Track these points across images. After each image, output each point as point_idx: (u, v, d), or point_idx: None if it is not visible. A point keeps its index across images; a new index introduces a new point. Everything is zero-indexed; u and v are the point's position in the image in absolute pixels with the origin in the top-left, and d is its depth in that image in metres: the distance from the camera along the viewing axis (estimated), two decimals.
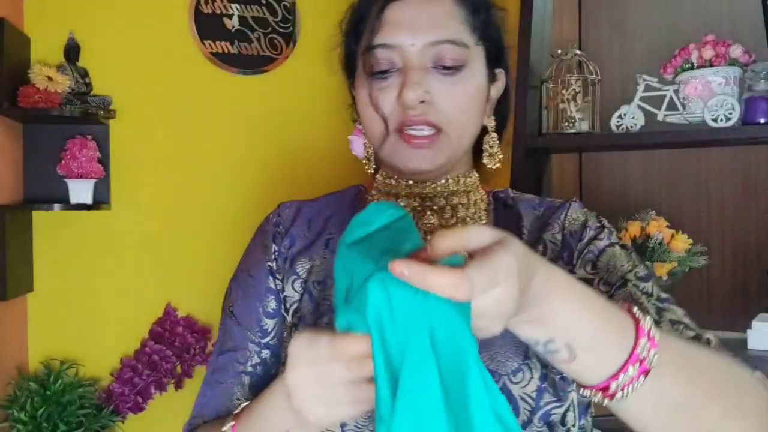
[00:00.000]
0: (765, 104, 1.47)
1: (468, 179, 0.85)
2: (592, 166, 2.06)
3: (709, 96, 1.51)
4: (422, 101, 0.75)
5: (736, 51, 1.50)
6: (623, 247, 0.80)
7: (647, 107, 1.63)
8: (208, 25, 2.42)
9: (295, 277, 0.82)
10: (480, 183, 0.88)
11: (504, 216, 0.85)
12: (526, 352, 0.72)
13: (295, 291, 0.81)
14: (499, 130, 0.87)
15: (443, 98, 0.76)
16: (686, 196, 2.08)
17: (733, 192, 2.08)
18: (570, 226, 0.81)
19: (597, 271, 0.76)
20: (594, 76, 1.72)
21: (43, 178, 2.31)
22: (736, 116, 1.48)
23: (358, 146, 0.87)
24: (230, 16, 2.43)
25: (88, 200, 2.25)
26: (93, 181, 2.26)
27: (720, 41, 1.52)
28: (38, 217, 2.35)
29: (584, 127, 1.71)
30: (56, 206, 2.22)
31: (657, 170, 2.09)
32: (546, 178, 1.93)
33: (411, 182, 0.83)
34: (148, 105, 2.40)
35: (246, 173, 2.37)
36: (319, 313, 0.79)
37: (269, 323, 0.83)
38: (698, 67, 1.53)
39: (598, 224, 0.81)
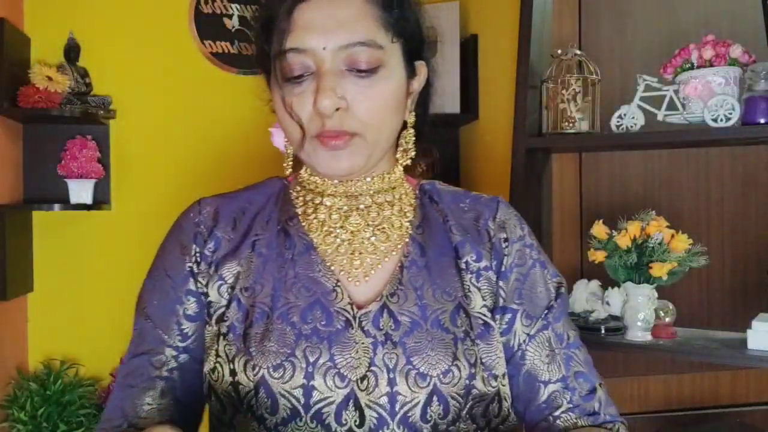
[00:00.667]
0: (765, 104, 1.46)
1: (393, 175, 0.84)
2: (592, 166, 2.06)
3: (709, 96, 1.51)
4: (338, 108, 0.73)
5: (736, 51, 1.50)
6: (542, 265, 0.83)
7: (647, 107, 1.63)
8: (208, 25, 2.42)
9: (221, 282, 0.79)
10: (405, 175, 0.87)
11: (430, 212, 0.85)
12: (454, 353, 0.74)
13: (221, 296, 0.78)
14: (423, 121, 0.86)
15: (359, 102, 0.74)
16: (686, 196, 2.08)
17: (733, 192, 2.08)
18: (498, 232, 0.83)
19: (522, 301, 0.80)
20: (594, 76, 1.72)
21: (43, 178, 2.32)
22: (736, 116, 1.48)
23: (279, 139, 0.87)
24: (230, 16, 2.43)
25: (88, 200, 2.25)
26: (93, 181, 2.26)
27: (720, 41, 1.52)
28: (38, 217, 2.35)
29: (584, 127, 1.71)
30: (56, 206, 2.22)
31: (657, 170, 2.08)
32: (546, 178, 1.93)
33: (336, 181, 0.82)
34: (148, 105, 2.40)
35: (246, 173, 2.37)
36: (248, 322, 0.76)
37: (189, 327, 0.80)
38: (698, 67, 1.53)
39: (521, 233, 0.84)
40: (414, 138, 0.84)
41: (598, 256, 1.57)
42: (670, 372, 2.09)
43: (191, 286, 0.80)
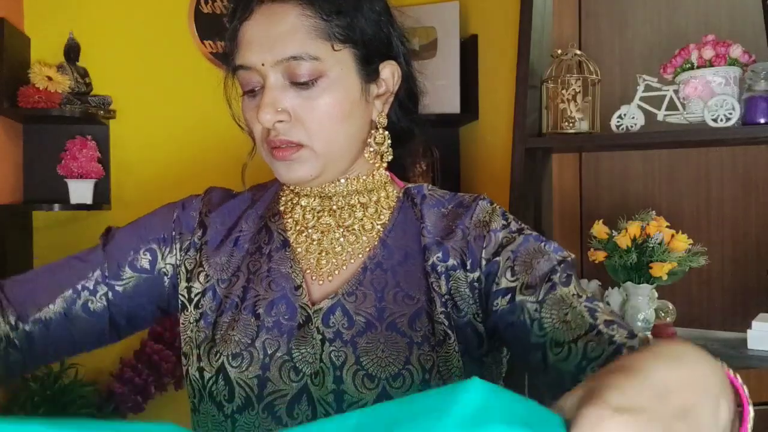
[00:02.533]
0: (765, 104, 1.47)
1: (371, 179, 0.84)
2: (592, 166, 2.06)
3: (709, 96, 1.51)
4: (280, 121, 0.76)
5: (736, 51, 1.50)
6: (536, 239, 0.77)
7: (647, 107, 1.63)
8: (208, 25, 2.42)
9: (202, 269, 0.83)
10: (393, 177, 0.88)
11: (408, 215, 0.83)
12: (407, 357, 0.72)
13: (200, 283, 0.83)
14: (408, 122, 0.86)
15: (302, 114, 0.76)
16: (686, 196, 2.08)
17: (733, 192, 2.08)
18: (474, 230, 0.79)
19: (516, 276, 0.73)
20: (594, 76, 1.72)
21: (43, 178, 2.32)
22: (736, 116, 1.48)
23: None
24: None
25: (88, 200, 2.25)
26: (93, 181, 2.26)
27: (720, 41, 1.52)
28: (38, 217, 2.35)
29: (584, 127, 1.71)
30: (56, 206, 2.22)
31: (657, 170, 2.08)
32: (546, 178, 1.93)
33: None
34: (148, 105, 2.40)
35: (247, 173, 2.37)
36: (220, 311, 0.80)
37: (128, 272, 0.84)
38: (698, 67, 1.53)
39: (504, 223, 0.79)
40: (395, 141, 0.84)
41: (598, 256, 1.57)
42: None
43: (155, 246, 0.85)
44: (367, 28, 0.79)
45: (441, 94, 2.33)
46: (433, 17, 2.36)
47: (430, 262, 0.78)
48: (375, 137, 0.83)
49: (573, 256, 0.76)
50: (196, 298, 0.82)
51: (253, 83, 0.78)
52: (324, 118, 0.76)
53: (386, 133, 0.83)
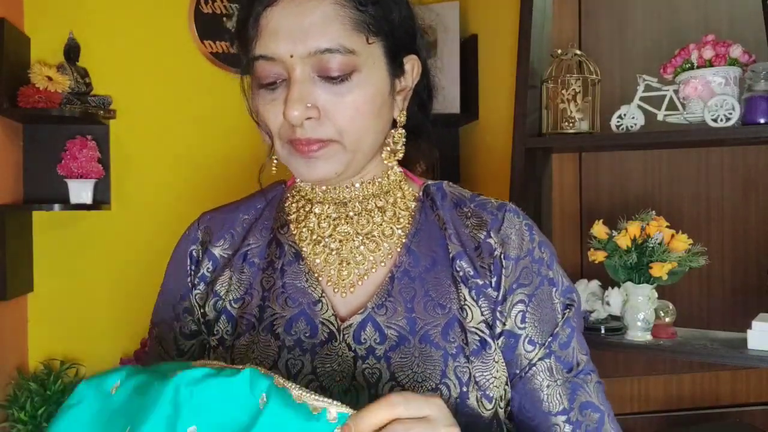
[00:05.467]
0: (765, 104, 1.46)
1: (386, 179, 0.79)
2: (592, 166, 2.06)
3: (709, 96, 1.51)
4: (309, 117, 0.70)
5: (736, 51, 1.50)
6: (550, 282, 0.76)
7: (647, 107, 1.63)
8: (208, 25, 2.42)
9: (216, 298, 0.79)
10: (409, 174, 0.83)
11: (429, 218, 0.79)
12: (443, 371, 0.70)
13: (215, 311, 0.78)
14: (421, 119, 0.82)
15: (332, 110, 0.70)
16: (686, 196, 2.08)
17: (733, 192, 2.08)
18: (499, 247, 0.75)
19: (525, 326, 0.74)
20: (594, 76, 1.72)
21: (43, 178, 2.32)
22: (736, 116, 1.48)
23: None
24: (230, 16, 2.43)
25: (88, 200, 2.25)
26: (93, 181, 2.26)
27: (720, 41, 1.52)
28: (38, 217, 2.35)
29: (584, 127, 1.71)
30: (56, 206, 2.22)
31: (657, 170, 2.08)
32: (546, 178, 1.93)
33: (324, 188, 0.79)
34: (148, 105, 2.40)
35: (246, 173, 2.37)
36: (236, 334, 0.76)
37: (185, 344, 0.80)
38: (698, 67, 1.53)
39: (530, 247, 0.76)
40: (407, 137, 0.79)
41: (598, 256, 1.57)
42: (670, 372, 2.09)
43: (187, 304, 0.80)
44: (396, 20, 0.74)
45: (441, 94, 2.32)
46: (433, 17, 2.36)
47: (461, 273, 0.75)
48: (393, 136, 0.78)
49: (576, 298, 0.78)
50: (211, 324, 0.78)
51: (274, 75, 0.71)
52: (356, 116, 0.71)
53: (403, 131, 0.79)
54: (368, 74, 0.71)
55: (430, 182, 0.82)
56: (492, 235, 0.76)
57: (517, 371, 0.74)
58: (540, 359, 0.74)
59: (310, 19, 0.68)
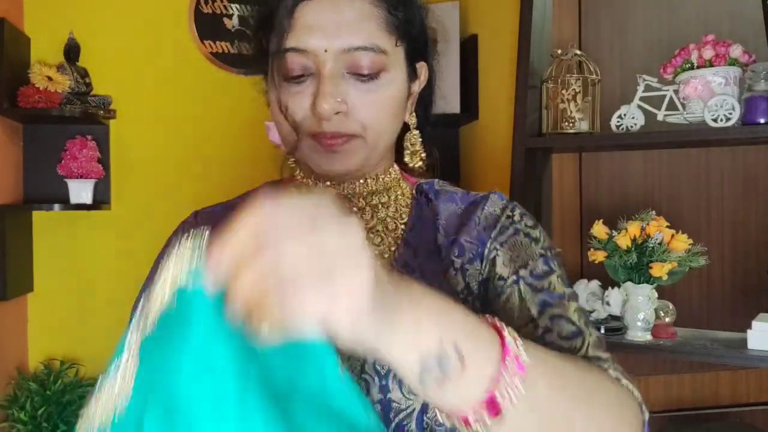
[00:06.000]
0: (765, 104, 1.46)
1: (388, 177, 0.82)
2: (592, 166, 2.06)
3: (709, 96, 1.51)
4: (338, 112, 0.71)
5: (736, 51, 1.50)
6: (531, 238, 0.77)
7: (647, 107, 1.63)
8: (208, 25, 2.42)
9: None
10: (403, 173, 0.85)
11: (424, 212, 0.82)
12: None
13: None
14: (424, 121, 0.85)
15: (360, 106, 0.72)
16: (686, 196, 2.08)
17: (733, 192, 2.08)
18: (485, 220, 0.78)
19: (498, 263, 0.75)
20: (594, 76, 1.72)
21: (43, 178, 2.32)
22: (736, 116, 1.48)
23: (276, 133, 0.84)
24: (230, 16, 2.43)
25: (88, 200, 2.25)
26: (93, 181, 2.26)
27: (720, 41, 1.52)
28: (38, 217, 2.35)
29: (584, 127, 1.71)
30: (56, 206, 2.22)
31: (657, 170, 2.08)
32: (546, 178, 1.93)
33: (329, 183, 0.80)
34: (148, 105, 2.40)
35: (246, 173, 2.37)
36: None
37: None
38: (698, 67, 1.53)
39: (510, 215, 0.79)
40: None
41: (598, 256, 1.57)
42: (670, 372, 2.09)
43: None
44: (417, 26, 0.78)
45: (441, 94, 2.33)
46: (433, 17, 2.36)
47: (447, 260, 0.76)
48: (410, 139, 0.81)
49: (557, 251, 0.78)
50: None
51: (302, 69, 0.72)
52: (381, 114, 0.74)
53: (417, 132, 0.82)
54: (394, 75, 0.74)
55: (422, 181, 0.85)
56: (478, 215, 0.79)
57: (490, 286, 0.74)
58: (510, 285, 0.73)
59: (345, 16, 0.70)
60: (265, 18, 0.76)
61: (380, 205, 0.81)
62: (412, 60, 0.78)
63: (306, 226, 0.42)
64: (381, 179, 0.81)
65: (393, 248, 0.79)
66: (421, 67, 0.81)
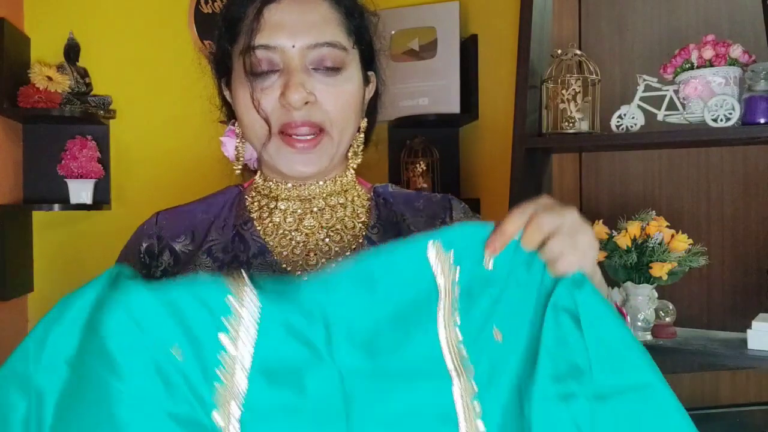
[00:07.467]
0: (765, 104, 1.46)
1: (344, 179, 0.87)
2: (592, 166, 2.06)
3: (709, 96, 1.51)
4: (306, 102, 0.77)
5: (736, 51, 1.50)
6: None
7: (647, 107, 1.62)
8: (208, 25, 2.42)
9: None
10: (358, 178, 0.91)
11: (386, 213, 0.87)
12: None
13: None
14: (370, 129, 0.91)
15: (326, 99, 0.78)
16: (686, 196, 2.08)
17: (733, 192, 2.08)
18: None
19: None
20: (594, 76, 1.72)
21: (43, 178, 2.32)
22: (736, 116, 1.48)
23: (230, 147, 0.92)
24: None
25: (88, 200, 2.25)
26: (93, 181, 2.26)
27: (720, 41, 1.52)
28: (38, 217, 2.35)
29: (584, 127, 1.71)
30: (56, 206, 2.22)
31: (657, 170, 2.09)
32: (546, 178, 1.93)
33: (290, 185, 0.85)
34: (148, 105, 2.40)
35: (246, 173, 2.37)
36: None
37: None
38: (698, 67, 1.53)
39: (474, 217, 0.87)
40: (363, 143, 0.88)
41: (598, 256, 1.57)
42: (670, 372, 2.09)
43: None
44: (369, 35, 0.85)
45: (441, 94, 2.33)
46: (433, 17, 2.36)
47: None
48: (357, 140, 0.87)
49: None
50: None
51: (270, 65, 0.78)
52: (345, 106, 0.80)
53: (362, 136, 0.88)
54: (352, 73, 0.82)
55: (377, 185, 0.91)
56: (447, 220, 0.86)
57: None
58: None
59: (309, 17, 0.78)
60: (232, 21, 0.82)
61: (338, 206, 0.85)
62: (365, 65, 0.85)
63: (557, 207, 0.69)
64: (339, 181, 0.87)
65: (353, 246, 0.83)
66: (372, 77, 0.88)
